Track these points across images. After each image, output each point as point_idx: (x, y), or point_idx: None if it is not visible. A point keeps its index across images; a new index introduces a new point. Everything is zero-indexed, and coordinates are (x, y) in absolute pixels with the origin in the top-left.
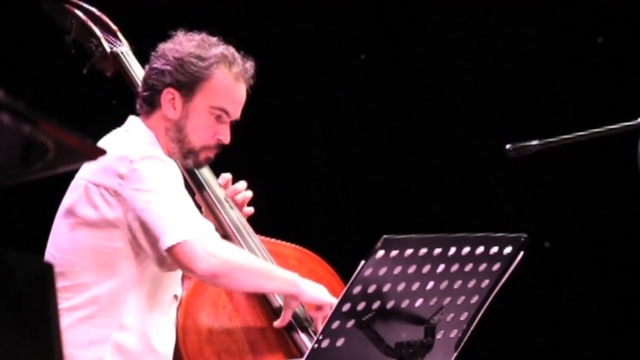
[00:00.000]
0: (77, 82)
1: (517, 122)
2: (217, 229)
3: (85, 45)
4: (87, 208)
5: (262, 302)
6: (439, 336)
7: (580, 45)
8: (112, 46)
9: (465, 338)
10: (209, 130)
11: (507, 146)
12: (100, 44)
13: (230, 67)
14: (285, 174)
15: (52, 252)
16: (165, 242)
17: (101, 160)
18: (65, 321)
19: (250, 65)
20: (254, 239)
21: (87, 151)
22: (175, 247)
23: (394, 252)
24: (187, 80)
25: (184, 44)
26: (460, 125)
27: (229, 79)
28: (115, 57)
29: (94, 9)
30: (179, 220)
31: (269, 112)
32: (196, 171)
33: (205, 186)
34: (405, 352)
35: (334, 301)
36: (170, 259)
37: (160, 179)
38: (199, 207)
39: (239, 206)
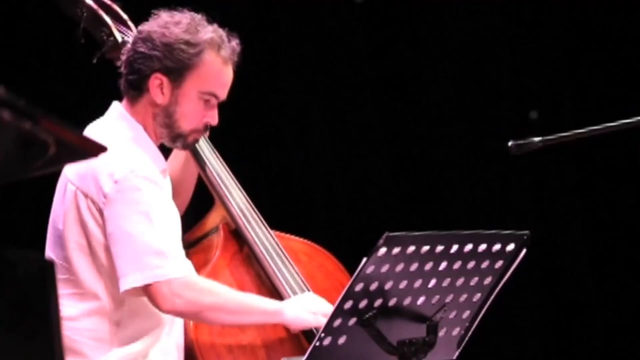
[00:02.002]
0: (77, 79)
1: (519, 119)
2: (227, 218)
3: (95, 35)
4: (77, 219)
5: (274, 296)
6: (441, 334)
7: (580, 43)
8: (123, 35)
9: (468, 336)
10: (198, 114)
11: (509, 143)
12: (112, 34)
13: (219, 51)
14: (286, 172)
15: (52, 257)
16: (130, 282)
17: (91, 163)
18: (68, 333)
19: (236, 43)
20: (263, 226)
21: (88, 148)
22: (144, 285)
23: (396, 250)
24: (177, 67)
25: (171, 28)
26: (463, 122)
27: (219, 64)
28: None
29: None
30: (153, 259)
31: (270, 110)
32: (201, 154)
33: (212, 171)
34: (408, 350)
35: (321, 322)
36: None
37: (141, 206)
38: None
39: None
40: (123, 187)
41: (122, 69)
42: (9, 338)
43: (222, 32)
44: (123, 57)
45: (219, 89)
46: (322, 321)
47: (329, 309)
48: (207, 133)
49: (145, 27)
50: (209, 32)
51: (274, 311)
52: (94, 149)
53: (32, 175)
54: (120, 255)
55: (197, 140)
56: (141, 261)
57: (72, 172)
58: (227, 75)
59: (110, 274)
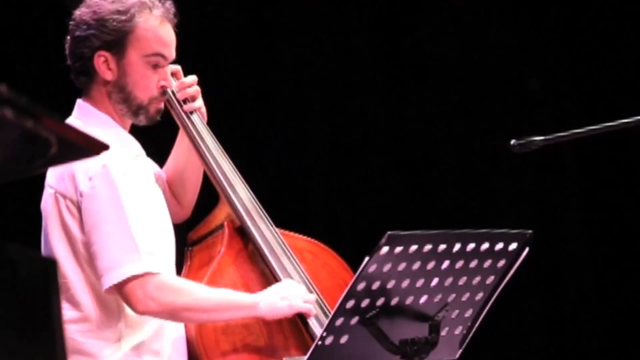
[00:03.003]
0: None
1: (521, 118)
2: (231, 215)
3: None
4: (59, 221)
5: None
6: (443, 333)
7: (581, 41)
8: None
9: (470, 335)
10: (150, 80)
11: (512, 141)
12: None
13: (152, 11)
14: (286, 169)
15: None
16: (107, 281)
17: (67, 165)
18: (73, 336)
19: (169, 4)
20: (268, 223)
21: (90, 146)
22: (116, 285)
23: (398, 249)
24: (115, 38)
25: (99, 3)
26: (465, 120)
27: (154, 23)
28: None
29: None
30: (124, 257)
31: (269, 106)
32: (207, 153)
33: (215, 167)
34: (410, 349)
35: (299, 308)
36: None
37: (114, 202)
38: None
39: (188, 99)
40: (96, 183)
41: (68, 62)
42: (11, 336)
43: None
44: (66, 52)
45: (162, 48)
46: (295, 305)
47: (303, 291)
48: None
49: (77, 12)
50: None
51: (249, 305)
52: (96, 147)
53: (33, 173)
54: (96, 255)
55: (160, 111)
56: (114, 259)
57: (49, 175)
58: (166, 33)
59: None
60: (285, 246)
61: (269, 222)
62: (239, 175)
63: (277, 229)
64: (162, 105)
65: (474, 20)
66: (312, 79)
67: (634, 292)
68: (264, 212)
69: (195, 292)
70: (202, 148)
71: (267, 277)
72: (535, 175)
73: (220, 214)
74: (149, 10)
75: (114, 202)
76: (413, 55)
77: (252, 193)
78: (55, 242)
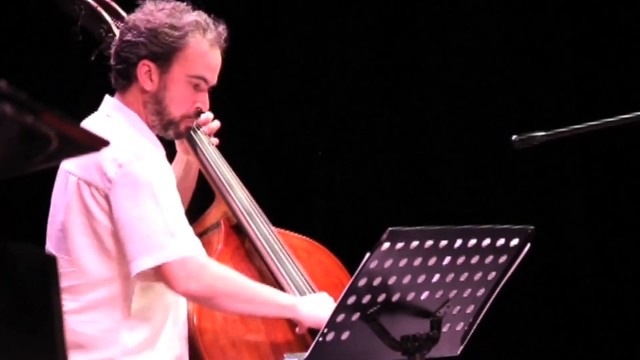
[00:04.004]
0: (79, 73)
1: (522, 114)
2: (228, 214)
3: (94, 32)
4: (81, 209)
5: (277, 289)
6: (445, 329)
7: (581, 40)
8: None
9: (472, 331)
10: (188, 99)
11: (513, 137)
12: (111, 30)
13: (205, 34)
14: (286, 167)
15: (54, 253)
16: (145, 263)
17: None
18: (73, 327)
19: (222, 29)
20: (265, 222)
21: (91, 142)
22: (157, 267)
23: (400, 245)
24: (163, 51)
25: (155, 14)
26: (465, 120)
27: (205, 47)
28: None
29: None
30: (163, 240)
31: (268, 103)
32: (204, 151)
33: (215, 168)
34: (411, 346)
35: None
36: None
37: (148, 188)
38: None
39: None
40: (128, 170)
41: (112, 62)
42: (11, 333)
43: (206, 17)
44: (112, 51)
45: (207, 73)
46: None
47: None
48: (216, 128)
49: (131, 17)
50: (194, 16)
51: (289, 306)
52: (97, 144)
53: (33, 170)
54: (129, 240)
55: (189, 129)
56: (150, 243)
57: (72, 164)
58: (215, 58)
59: (119, 261)
60: (282, 244)
61: (266, 220)
62: (235, 174)
63: (273, 227)
64: (193, 124)
65: (474, 20)
66: (312, 79)
67: (634, 292)
68: (261, 210)
69: (237, 279)
70: (197, 147)
71: (265, 275)
72: (536, 175)
73: (217, 213)
74: (203, 33)
75: (147, 188)
76: (414, 51)
77: (248, 192)
78: (75, 230)
